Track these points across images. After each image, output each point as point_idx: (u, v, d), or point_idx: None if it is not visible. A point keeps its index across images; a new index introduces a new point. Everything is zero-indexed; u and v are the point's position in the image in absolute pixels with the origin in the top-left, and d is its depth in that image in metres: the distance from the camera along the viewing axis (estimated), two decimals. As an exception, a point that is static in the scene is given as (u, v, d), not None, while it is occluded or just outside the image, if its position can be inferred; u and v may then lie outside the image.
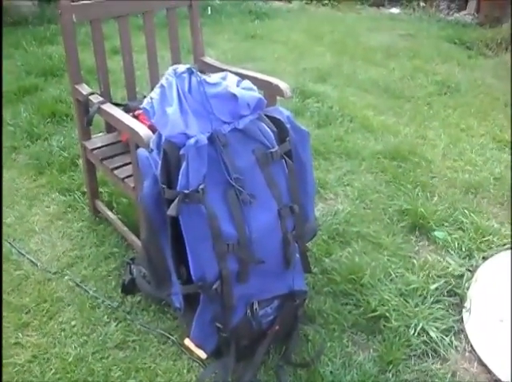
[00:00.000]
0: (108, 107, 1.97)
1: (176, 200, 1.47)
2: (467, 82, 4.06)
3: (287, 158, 1.68)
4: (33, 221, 2.44)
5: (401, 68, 4.28)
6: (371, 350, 1.86)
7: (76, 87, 2.12)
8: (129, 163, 2.10)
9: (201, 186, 1.49)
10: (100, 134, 2.34)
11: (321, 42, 4.85)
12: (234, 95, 1.56)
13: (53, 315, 1.96)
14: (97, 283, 2.10)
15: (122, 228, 2.27)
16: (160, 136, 1.62)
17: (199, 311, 1.67)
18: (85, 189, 2.54)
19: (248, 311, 1.71)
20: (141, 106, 1.59)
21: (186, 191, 1.47)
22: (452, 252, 2.29)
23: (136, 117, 2.12)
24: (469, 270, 2.19)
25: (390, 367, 1.80)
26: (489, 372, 1.82)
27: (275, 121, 1.70)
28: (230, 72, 2.23)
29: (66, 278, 2.13)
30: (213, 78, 1.60)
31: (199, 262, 1.57)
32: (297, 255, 1.80)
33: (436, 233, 2.40)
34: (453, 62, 4.43)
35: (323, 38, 4.94)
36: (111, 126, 2.28)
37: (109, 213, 2.36)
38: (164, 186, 1.51)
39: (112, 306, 2.00)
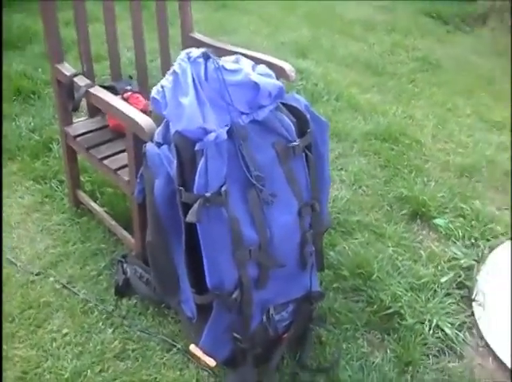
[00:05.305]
0: (98, 91, 1.76)
1: (196, 205, 1.31)
2: (448, 58, 3.98)
3: (308, 152, 1.54)
4: (7, 214, 2.20)
5: (381, 42, 4.15)
6: (388, 350, 1.77)
7: (57, 66, 1.88)
8: (120, 152, 1.91)
9: (223, 188, 1.33)
10: (82, 118, 2.11)
11: (296, 13, 4.66)
12: (256, 84, 1.39)
13: (41, 323, 1.77)
14: (86, 284, 1.92)
15: (109, 221, 2.07)
16: (167, 127, 1.45)
17: (213, 320, 1.53)
18: (63, 177, 2.32)
19: (264, 317, 1.59)
20: (151, 95, 1.40)
21: (207, 194, 1.31)
22: (456, 241, 2.22)
23: (125, 100, 1.92)
24: (476, 261, 2.12)
25: (409, 368, 1.72)
26: (505, 368, 1.77)
27: (293, 110, 1.54)
28: (226, 50, 2.08)
29: (51, 279, 1.93)
30: (230, 64, 1.42)
31: (216, 270, 1.42)
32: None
33: (437, 221, 2.33)
34: (432, 37, 4.34)
35: (298, 8, 4.74)
36: (95, 109, 2.07)
37: (93, 204, 2.15)
38: (181, 189, 1.33)
39: (106, 311, 1.82)
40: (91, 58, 2.01)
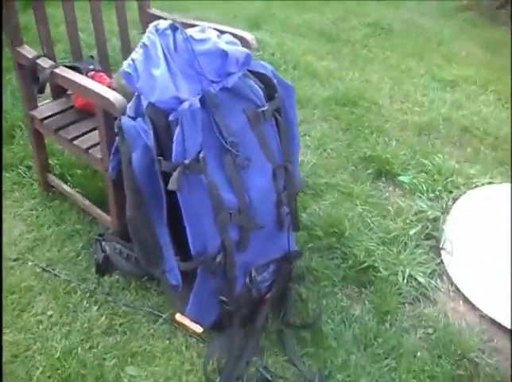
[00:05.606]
0: (64, 72, 1.75)
1: (176, 173, 1.34)
2: (399, 22, 4.07)
3: (278, 116, 1.58)
4: (-23, 204, 2.18)
5: (333, 11, 4.20)
6: (366, 302, 1.86)
7: (18, 49, 1.85)
8: (88, 131, 1.91)
9: (201, 155, 1.37)
10: (46, 101, 2.09)
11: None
12: (224, 52, 1.42)
13: (25, 307, 1.78)
14: (66, 266, 1.92)
15: (82, 202, 2.07)
16: (139, 101, 1.46)
17: (198, 286, 1.58)
18: (30, 163, 2.30)
19: (247, 279, 1.64)
20: (122, 69, 1.41)
21: (186, 162, 1.34)
22: (421, 195, 2.32)
23: (91, 78, 1.91)
24: (441, 212, 2.23)
25: (388, 317, 1.81)
26: (475, 308, 1.88)
27: (260, 76, 1.58)
28: (186, 23, 2.08)
29: (30, 263, 1.93)
30: (197, 33, 1.44)
31: (199, 236, 1.47)
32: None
33: (401, 177, 2.42)
34: (382, 3, 4.41)
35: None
36: (58, 91, 2.05)
37: (64, 187, 2.14)
38: (160, 158, 1.36)
39: (89, 289, 1.84)
40: (51, 40, 1.99)
